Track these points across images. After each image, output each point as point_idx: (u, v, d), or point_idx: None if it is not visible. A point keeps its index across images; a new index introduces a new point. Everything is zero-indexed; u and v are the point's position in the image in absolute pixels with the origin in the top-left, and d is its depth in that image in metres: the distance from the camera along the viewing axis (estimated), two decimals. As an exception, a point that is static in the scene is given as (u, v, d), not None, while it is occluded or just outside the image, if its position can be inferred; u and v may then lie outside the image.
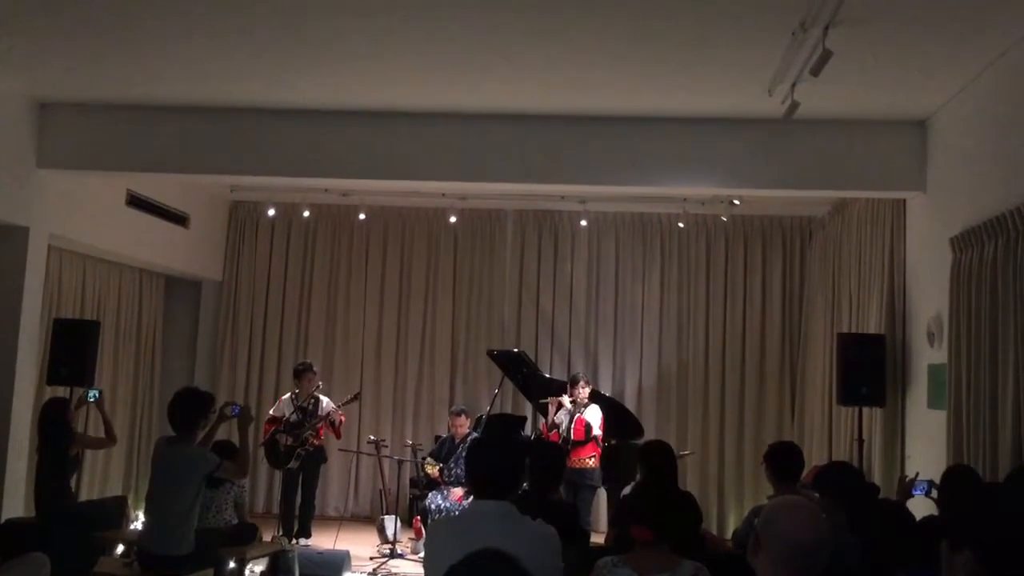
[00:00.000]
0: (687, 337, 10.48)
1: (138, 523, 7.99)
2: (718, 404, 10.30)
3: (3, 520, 6.23)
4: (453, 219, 10.34)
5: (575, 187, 8.41)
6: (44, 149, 7.49)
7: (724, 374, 10.34)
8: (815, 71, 5.08)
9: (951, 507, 1.99)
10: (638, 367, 10.53)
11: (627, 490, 5.32)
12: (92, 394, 7.03)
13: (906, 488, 4.88)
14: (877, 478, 6.92)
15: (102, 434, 7.12)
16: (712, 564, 3.56)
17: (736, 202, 9.48)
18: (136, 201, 9.08)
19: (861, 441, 7.10)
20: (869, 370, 6.93)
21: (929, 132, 6.85)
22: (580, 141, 7.18)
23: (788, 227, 10.44)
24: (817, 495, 4.68)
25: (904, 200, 7.23)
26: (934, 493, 4.74)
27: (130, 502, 8.69)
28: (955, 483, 4.44)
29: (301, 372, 8.82)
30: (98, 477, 9.24)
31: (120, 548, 6.53)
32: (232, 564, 6.10)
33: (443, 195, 9.92)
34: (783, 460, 4.91)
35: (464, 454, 8.19)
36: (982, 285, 5.47)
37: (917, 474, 5.28)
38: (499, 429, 9.10)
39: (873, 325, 7.50)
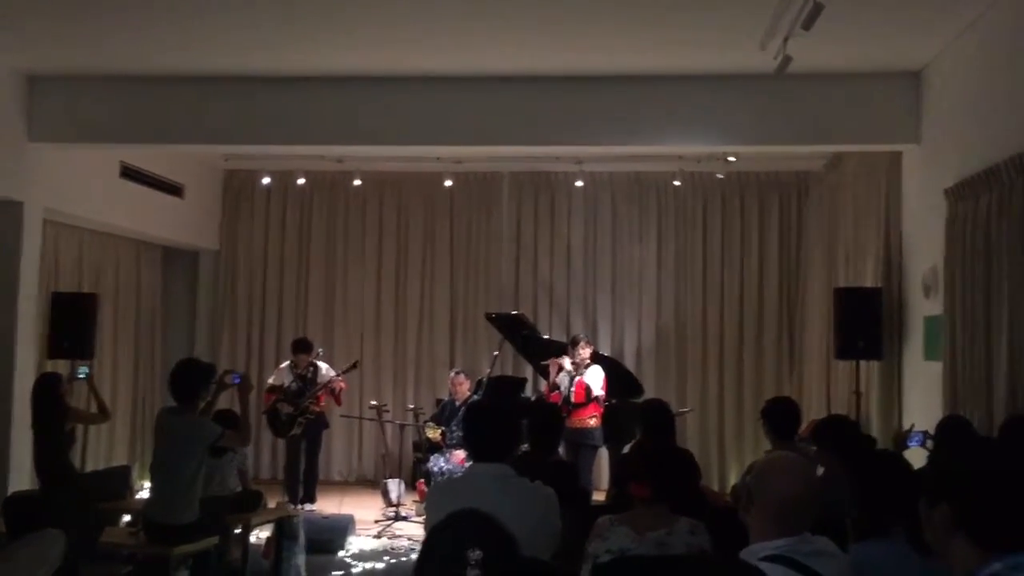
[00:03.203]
0: (685, 295, 10.49)
1: (143, 492, 8.06)
2: (717, 361, 10.34)
3: (10, 493, 6.28)
4: (449, 183, 10.31)
5: (570, 148, 8.38)
6: (35, 123, 7.44)
7: (723, 331, 10.37)
8: (806, 25, 5.03)
9: (929, 462, 2.01)
10: (637, 326, 10.56)
11: (627, 449, 5.35)
12: (82, 371, 7.04)
13: (901, 439, 4.91)
14: (875, 430, 6.96)
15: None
16: (712, 519, 3.60)
17: (731, 159, 9.43)
18: (130, 172, 9.05)
19: (858, 394, 7.14)
20: (866, 323, 6.94)
21: (923, 83, 6.80)
22: (574, 102, 7.13)
23: (784, 182, 10.41)
24: (814, 448, 4.72)
25: (899, 153, 7.20)
26: (929, 444, 4.77)
27: (135, 472, 8.76)
28: (948, 434, 4.47)
29: (296, 350, 8.82)
30: (103, 448, 9.30)
31: (126, 517, 6.59)
32: (238, 531, 6.16)
33: (438, 159, 9.89)
34: (779, 416, 4.93)
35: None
36: (976, 236, 5.47)
37: (912, 425, 5.32)
38: (500, 391, 9.15)
39: (870, 278, 7.51)
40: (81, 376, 7.03)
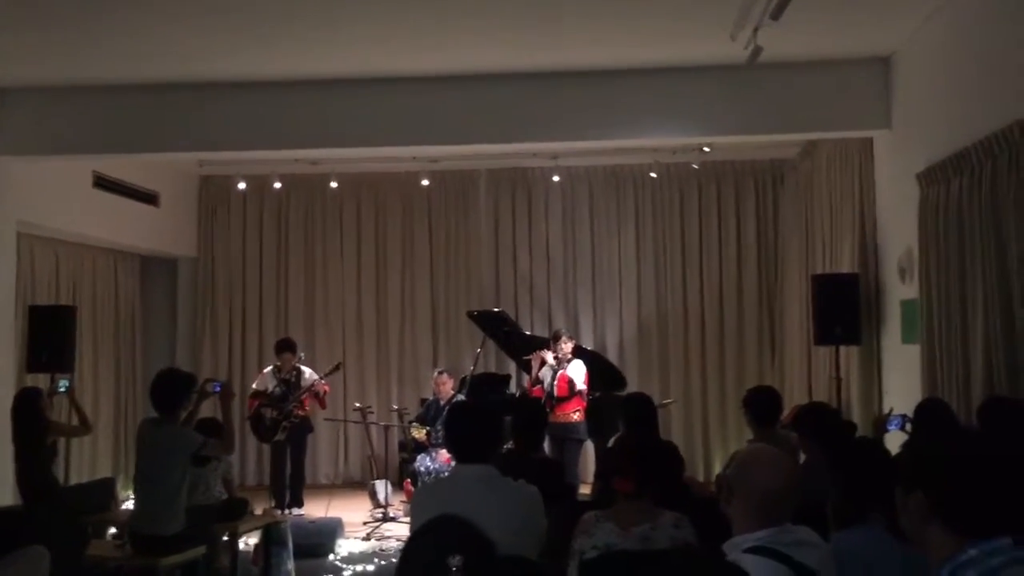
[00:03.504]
0: (665, 286, 10.53)
1: (129, 504, 8.02)
2: (699, 351, 10.39)
3: (-8, 510, 6.23)
4: (426, 182, 10.29)
5: (546, 144, 8.39)
6: (4, 136, 7.36)
7: (704, 321, 10.41)
8: (775, 15, 5.06)
9: (903, 449, 2.02)
10: (618, 319, 10.59)
11: (612, 443, 5.36)
12: (62, 384, 6.99)
13: (881, 423, 4.95)
14: (856, 415, 7.01)
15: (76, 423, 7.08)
16: (697, 510, 3.62)
17: (706, 148, 9.48)
18: (103, 182, 8.99)
19: (839, 379, 7.18)
20: (844, 309, 6.98)
21: (893, 69, 6.84)
22: (548, 97, 7.13)
23: (760, 171, 10.45)
24: (796, 435, 4.75)
25: (871, 138, 7.25)
26: (908, 427, 4.81)
27: (119, 483, 8.71)
28: (927, 417, 4.51)
29: (281, 351, 8.82)
30: (86, 460, 9.24)
31: (112, 530, 6.55)
32: (225, 538, 6.14)
33: (414, 158, 9.87)
34: (760, 405, 4.97)
35: (449, 416, 8.22)
36: (949, 219, 5.52)
37: (891, 409, 5.36)
38: (483, 388, 9.16)
39: (847, 264, 7.55)
40: (62, 390, 6.98)
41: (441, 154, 9.73)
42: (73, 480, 8.32)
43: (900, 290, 6.69)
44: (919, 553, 1.78)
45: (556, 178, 10.24)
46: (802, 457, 4.69)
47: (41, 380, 7.47)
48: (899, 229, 6.69)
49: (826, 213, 8.22)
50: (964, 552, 1.65)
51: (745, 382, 9.22)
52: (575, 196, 10.68)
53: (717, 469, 9.46)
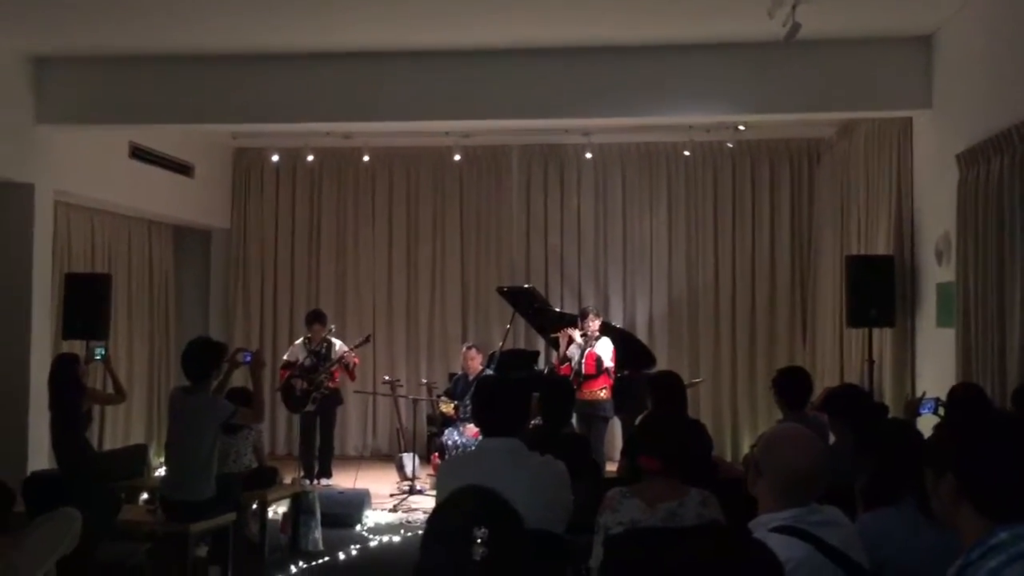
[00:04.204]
0: (697, 265, 10.46)
1: (161, 471, 8.15)
2: (729, 330, 10.33)
3: (29, 474, 6.35)
4: (458, 157, 10.27)
5: (579, 120, 8.34)
6: (43, 105, 7.45)
7: (735, 300, 10.35)
8: (815, -9, 4.97)
9: (934, 432, 2.00)
10: (648, 297, 10.55)
11: (639, 420, 5.36)
12: (99, 352, 7.08)
13: (913, 407, 4.89)
14: (888, 398, 6.95)
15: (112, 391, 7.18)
16: (724, 490, 3.61)
17: (741, 127, 9.37)
18: (139, 153, 9.07)
19: (871, 362, 7.12)
20: (878, 291, 6.91)
21: (934, 47, 6.71)
22: (581, 73, 7.08)
23: (795, 150, 10.33)
24: (826, 417, 4.72)
25: (910, 118, 7.13)
26: (941, 411, 4.76)
27: (152, 450, 8.84)
28: (960, 401, 4.46)
29: (311, 322, 8.89)
30: (120, 427, 9.40)
31: (144, 496, 6.65)
32: (254, 507, 6.22)
33: (447, 133, 9.86)
34: (790, 385, 4.94)
35: (476, 391, 8.26)
36: (989, 201, 5.42)
37: (924, 393, 5.30)
38: (512, 364, 9.17)
39: (882, 246, 7.47)
40: (98, 357, 7.07)
41: (473, 129, 9.71)
42: (107, 446, 8.46)
43: (936, 272, 6.60)
44: (949, 535, 1.76)
45: (588, 155, 10.19)
46: (832, 439, 4.66)
47: (77, 347, 7.59)
48: (937, 211, 6.59)
49: (862, 193, 8.13)
50: (994, 535, 1.63)
51: (775, 363, 9.15)
52: (607, 173, 10.62)
53: (745, 451, 9.42)
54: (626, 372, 8.42)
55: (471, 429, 8.35)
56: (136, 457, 7.41)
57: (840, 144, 9.14)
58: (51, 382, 6.45)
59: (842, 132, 9.06)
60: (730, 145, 10.00)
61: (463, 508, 1.81)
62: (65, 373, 6.39)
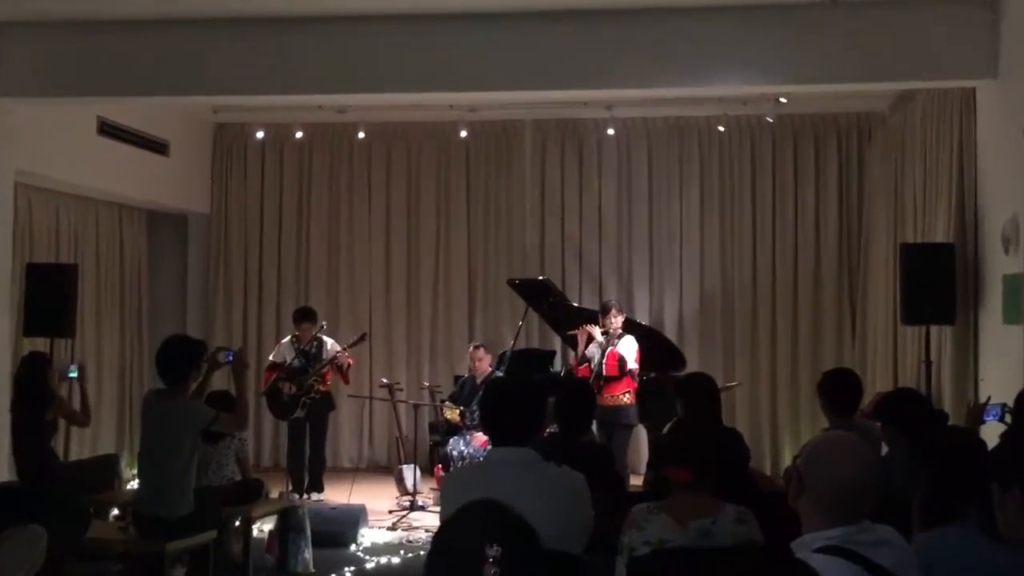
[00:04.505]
0: (732, 255, 10.44)
1: (133, 483, 8.18)
2: (769, 328, 10.31)
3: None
4: (464, 134, 10.27)
5: (599, 92, 8.32)
6: (1, 76, 7.46)
7: (775, 295, 10.32)
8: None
9: (1000, 443, 1.99)
10: (678, 291, 10.54)
11: (667, 429, 5.36)
12: (72, 370, 7.11)
13: (977, 414, 4.87)
14: (947, 404, 6.93)
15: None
16: (763, 505, 3.61)
17: (783, 99, 9.33)
18: (109, 129, 9.10)
19: (929, 363, 7.10)
20: (937, 284, 6.88)
21: (1001, 10, 6.67)
22: (602, 38, 7.06)
23: (843, 125, 10.29)
24: (879, 425, 4.71)
25: (973, 89, 7.09)
26: (1008, 418, 4.74)
27: (123, 461, 8.89)
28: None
29: (300, 319, 8.91)
30: (88, 435, 9.41)
31: (115, 511, 6.69)
32: (237, 523, 6.24)
33: (451, 107, 9.85)
34: (838, 389, 4.92)
35: (485, 395, 8.28)
36: (1063, 183, 5.40)
37: (989, 398, 5.27)
38: (524, 365, 9.17)
39: (941, 232, 7.44)
40: (72, 375, 7.10)
41: (481, 102, 9.70)
42: (73, 456, 8.51)
43: (1002, 262, 6.57)
44: (1015, 555, 1.76)
45: (611, 131, 10.16)
46: (884, 450, 4.65)
47: (40, 345, 7.62)
48: (1003, 193, 6.55)
49: (919, 174, 8.09)
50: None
51: (821, 364, 9.13)
52: (632, 152, 10.59)
53: (787, 462, 9.42)
54: (652, 374, 8.40)
55: (479, 438, 8.36)
56: (106, 468, 7.45)
57: (894, 118, 9.10)
58: (17, 383, 6.48)
59: (896, 105, 9.02)
60: (770, 120, 9.96)
61: (472, 525, 1.82)
62: (34, 374, 6.42)
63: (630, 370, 8.05)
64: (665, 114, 10.38)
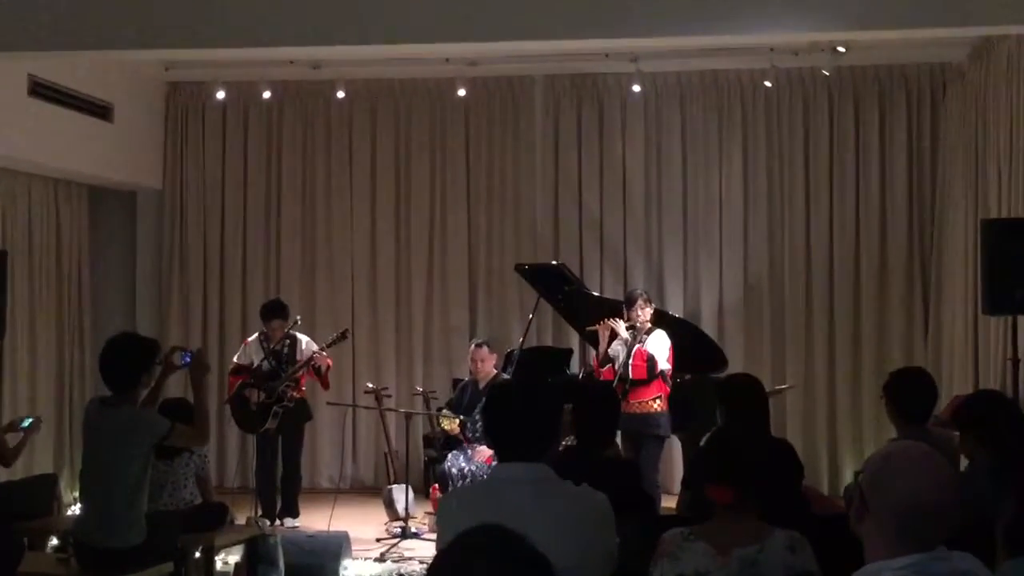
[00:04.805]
0: (782, 234, 10.44)
1: (76, 508, 8.20)
2: (826, 320, 10.31)
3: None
4: (462, 92, 10.27)
5: (623, 41, 8.30)
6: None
7: (832, 280, 10.32)
8: None
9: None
10: (717, 278, 10.54)
11: (705, 440, 5.38)
12: (26, 422, 7.12)
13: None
14: (1038, 409, 6.92)
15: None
16: (819, 531, 3.62)
17: (841, 48, 9.31)
18: (41, 90, 9.09)
19: (1016, 361, 7.08)
20: (1025, 266, 6.88)
21: (1102, -61, 6.65)
22: (625, -23, 7.05)
23: (913, 79, 10.27)
24: (956, 434, 4.72)
25: (1069, 34, 7.08)
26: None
27: (63, 481, 8.91)
28: None
29: (267, 317, 8.91)
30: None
31: (54, 540, 6.72)
32: (197, 554, 6.27)
33: (447, 61, 9.84)
34: (908, 392, 4.93)
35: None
36: None
37: (1089, 403, 5.28)
38: (536, 367, 9.18)
39: (1030, 206, 7.45)
40: (25, 425, 7.10)
41: (482, 54, 9.69)
42: (2, 477, 8.52)
43: (1104, 242, 6.56)
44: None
45: (636, 88, 10.15)
46: (964, 463, 4.64)
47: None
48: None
49: (1004, 136, 8.09)
50: None
51: (888, 363, 9.14)
52: (661, 112, 10.59)
53: (848, 479, 9.42)
54: (688, 376, 8.40)
55: (483, 452, 8.38)
56: (42, 491, 7.46)
57: (973, 71, 9.08)
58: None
59: (976, 55, 9.01)
60: (826, 73, 9.94)
61: (475, 555, 1.81)
62: None
63: (661, 371, 8.05)
64: (702, 68, 10.37)
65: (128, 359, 5.49)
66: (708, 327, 9.99)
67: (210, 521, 6.41)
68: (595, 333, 8.55)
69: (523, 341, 9.43)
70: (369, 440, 10.81)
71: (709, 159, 10.57)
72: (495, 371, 8.98)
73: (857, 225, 10.32)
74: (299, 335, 8.96)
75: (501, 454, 3.45)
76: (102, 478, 5.44)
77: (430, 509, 8.89)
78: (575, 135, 10.75)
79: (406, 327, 10.91)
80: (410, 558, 7.94)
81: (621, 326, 8.22)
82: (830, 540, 3.49)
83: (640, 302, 8.27)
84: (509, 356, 9.40)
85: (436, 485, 8.88)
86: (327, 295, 10.92)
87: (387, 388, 9.77)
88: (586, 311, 9.01)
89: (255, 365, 8.81)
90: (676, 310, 9.94)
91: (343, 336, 9.03)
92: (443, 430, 9.03)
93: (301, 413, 8.97)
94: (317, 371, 8.81)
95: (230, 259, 11.05)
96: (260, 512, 8.57)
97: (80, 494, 6.04)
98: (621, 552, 3.43)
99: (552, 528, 2.91)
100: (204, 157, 11.09)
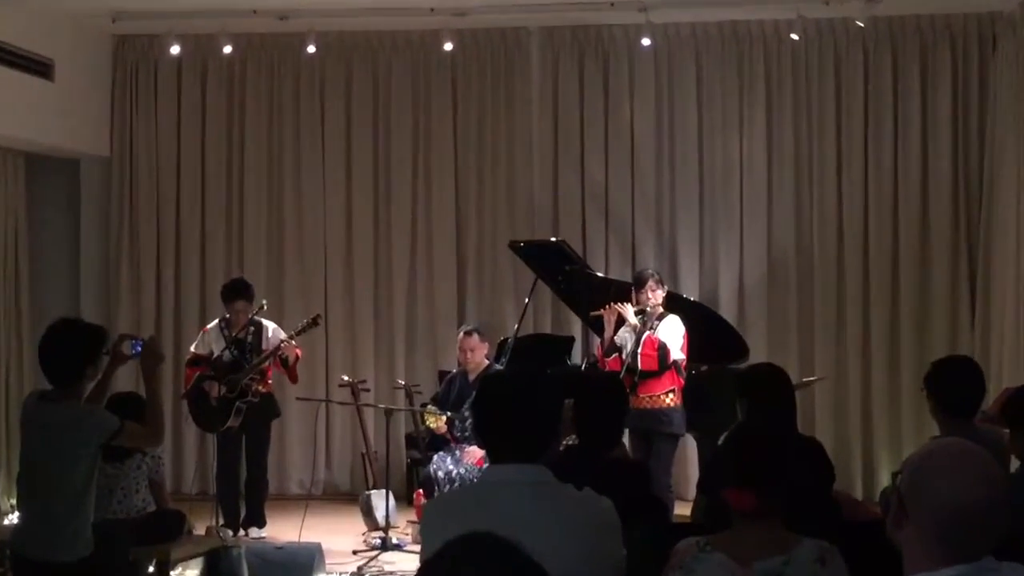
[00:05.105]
0: (810, 206, 10.45)
1: (12, 516, 8.21)
2: (859, 304, 10.33)
3: None
4: (449, 46, 10.26)
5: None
6: None
7: (867, 260, 10.34)
8: None
9: None
10: (737, 257, 10.56)
11: (724, 438, 5.39)
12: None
13: None
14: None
15: None
16: (851, 540, 3.62)
17: (878, -3, 9.33)
18: (-29, 44, 9.08)
19: (1074, 350, 7.13)
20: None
21: None
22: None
23: (959, 31, 10.26)
24: (1006, 432, 4.73)
25: None
26: None
27: (-1, 488, 8.92)
28: None
29: (229, 298, 8.89)
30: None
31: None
32: (151, 568, 6.28)
33: (432, 10, 9.82)
34: (952, 384, 4.93)
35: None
36: None
37: None
38: (533, 356, 9.18)
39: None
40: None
41: (472, 4, 9.67)
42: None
43: None
44: None
45: (646, 41, 10.14)
46: (1014, 464, 4.66)
47: None
48: None
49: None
50: None
51: (930, 352, 9.15)
52: (674, 69, 10.60)
53: (885, 482, 9.45)
54: (704, 367, 8.41)
55: (473, 453, 8.39)
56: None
57: (1027, 21, 9.08)
58: None
59: (1031, 3, 9.00)
60: (861, 24, 9.93)
61: (464, 567, 1.82)
62: None
63: (674, 362, 8.07)
64: (719, 18, 10.38)
65: (71, 348, 5.46)
66: (727, 311, 10.01)
67: (165, 531, 6.42)
68: (599, 319, 8.54)
69: (518, 328, 9.43)
70: (344, 440, 10.82)
71: (728, 121, 10.57)
72: (487, 362, 8.98)
73: (895, 196, 10.32)
74: (265, 321, 8.95)
75: (493, 455, 3.45)
76: (42, 483, 5.42)
77: (413, 517, 8.90)
78: (577, 95, 10.74)
79: (386, 313, 10.91)
80: (391, 572, 7.98)
81: (629, 311, 8.22)
82: (864, 550, 3.50)
83: (650, 283, 8.27)
84: (503, 345, 9.40)
85: (420, 490, 8.88)
86: (296, 276, 10.90)
87: (364, 381, 9.78)
88: (589, 294, 9.02)
89: (215, 355, 8.80)
90: (691, 292, 9.96)
91: (314, 322, 9.01)
92: (428, 428, 9.03)
93: (267, 410, 8.97)
94: (284, 362, 8.78)
95: (186, 236, 11.02)
96: (222, 521, 8.57)
97: (17, 501, 6.03)
98: (628, 564, 3.44)
99: (550, 536, 2.91)
100: (156, 120, 11.05)
